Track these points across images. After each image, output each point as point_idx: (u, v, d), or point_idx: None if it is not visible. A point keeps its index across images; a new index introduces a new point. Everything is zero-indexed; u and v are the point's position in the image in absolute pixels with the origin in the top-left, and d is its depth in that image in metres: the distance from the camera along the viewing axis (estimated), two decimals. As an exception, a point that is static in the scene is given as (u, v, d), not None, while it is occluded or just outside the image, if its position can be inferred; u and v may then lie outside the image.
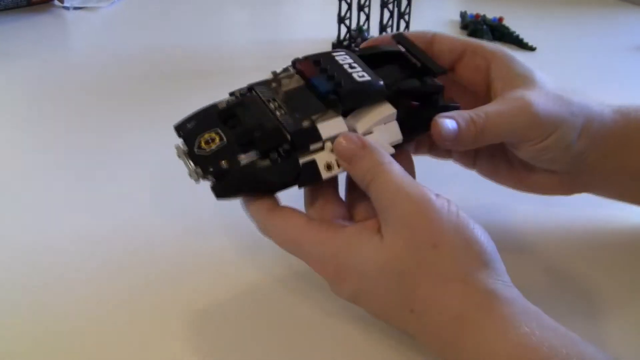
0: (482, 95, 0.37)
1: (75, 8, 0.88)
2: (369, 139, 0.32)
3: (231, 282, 0.38)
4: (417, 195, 0.29)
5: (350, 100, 0.32)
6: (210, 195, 0.31)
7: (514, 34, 0.76)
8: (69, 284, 0.38)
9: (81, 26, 0.84)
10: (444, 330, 0.28)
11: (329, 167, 0.32)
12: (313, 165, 0.31)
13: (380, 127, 0.33)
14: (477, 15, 0.81)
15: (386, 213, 0.30)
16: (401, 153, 0.34)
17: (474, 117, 0.33)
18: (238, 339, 0.34)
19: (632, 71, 0.69)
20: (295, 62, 0.35)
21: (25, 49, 0.75)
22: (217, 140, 0.32)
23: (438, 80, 0.35)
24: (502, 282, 0.29)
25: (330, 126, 0.31)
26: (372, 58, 0.35)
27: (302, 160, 0.31)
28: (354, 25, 0.73)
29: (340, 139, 0.31)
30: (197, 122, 0.34)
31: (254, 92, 0.34)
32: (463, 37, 0.38)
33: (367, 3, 0.71)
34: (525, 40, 0.75)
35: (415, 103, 0.35)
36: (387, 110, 0.33)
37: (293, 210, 0.32)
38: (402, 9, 0.71)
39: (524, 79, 0.35)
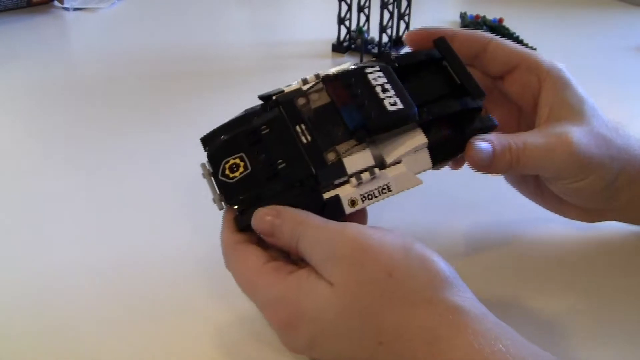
0: (527, 111, 0.36)
1: (75, 9, 0.88)
2: (397, 167, 0.31)
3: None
4: (352, 234, 0.29)
5: (379, 132, 0.31)
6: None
7: (514, 35, 0.76)
8: (71, 289, 0.38)
9: (81, 27, 0.84)
10: (418, 354, 0.27)
11: (352, 202, 0.31)
12: (337, 200, 0.31)
13: (409, 155, 0.32)
14: (477, 16, 0.81)
15: (326, 264, 0.29)
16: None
17: (511, 145, 0.32)
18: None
19: (632, 71, 0.69)
20: (325, 80, 0.32)
21: (25, 50, 0.75)
22: (242, 167, 0.31)
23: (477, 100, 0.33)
24: (468, 297, 0.28)
25: (357, 161, 0.31)
26: (409, 66, 0.33)
27: (326, 196, 0.31)
28: (354, 26, 0.73)
29: (256, 217, 0.30)
30: (224, 140, 0.32)
31: (281, 109, 0.32)
32: (520, 49, 0.36)
33: (367, 4, 0.71)
34: (525, 41, 0.75)
35: (448, 132, 0.33)
36: (418, 140, 0.31)
37: (256, 250, 0.31)
38: (402, 9, 0.71)
39: (573, 111, 0.34)
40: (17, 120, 0.60)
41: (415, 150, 0.31)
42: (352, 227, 0.29)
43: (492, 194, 0.46)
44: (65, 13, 0.87)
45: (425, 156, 0.32)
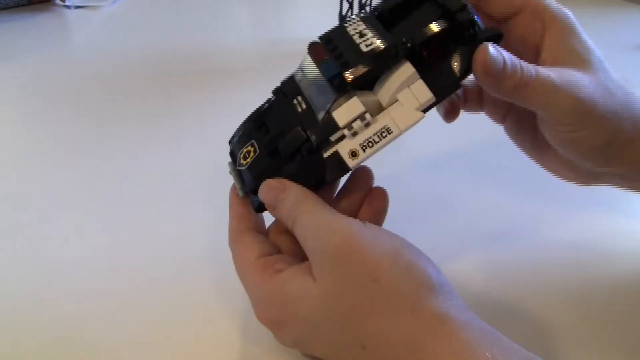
0: (528, 60, 0.33)
1: (77, 7, 0.88)
2: (395, 107, 0.30)
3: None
4: (343, 230, 0.28)
5: (359, 79, 0.29)
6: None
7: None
8: (73, 286, 0.38)
9: (82, 25, 0.84)
10: None
11: (353, 154, 0.30)
12: (337, 156, 0.30)
13: (404, 91, 0.30)
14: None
15: (315, 255, 0.28)
16: (374, 192, 0.33)
17: (523, 66, 0.30)
18: None
19: (632, 71, 0.70)
20: (310, 46, 0.32)
21: (26, 48, 0.75)
22: (252, 153, 0.31)
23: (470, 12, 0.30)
24: (454, 304, 0.27)
25: (346, 110, 0.30)
26: (397, 9, 0.31)
27: (325, 155, 0.30)
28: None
29: (262, 186, 0.31)
30: (241, 133, 0.33)
31: (282, 88, 0.33)
32: None
33: (368, 2, 0.71)
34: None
35: (438, 56, 0.30)
36: (405, 72, 0.30)
37: (253, 242, 0.31)
38: (403, 8, 0.71)
39: (579, 59, 0.32)
40: (18, 117, 0.60)
41: (407, 83, 0.30)
42: (345, 222, 0.28)
43: (501, 197, 0.46)
44: (67, 11, 0.87)
45: (421, 87, 0.30)
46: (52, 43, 0.77)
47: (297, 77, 0.32)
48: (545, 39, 0.32)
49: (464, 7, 0.30)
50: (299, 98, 0.31)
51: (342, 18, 0.71)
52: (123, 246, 0.41)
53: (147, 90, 0.64)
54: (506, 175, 0.48)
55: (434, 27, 0.30)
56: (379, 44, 0.29)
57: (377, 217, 0.33)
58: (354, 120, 0.30)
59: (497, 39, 0.30)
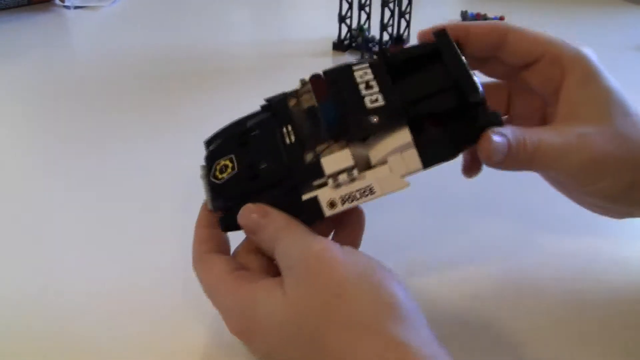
0: (551, 104, 0.33)
1: (76, 7, 0.88)
2: (381, 169, 0.30)
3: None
4: (319, 246, 0.28)
5: (357, 133, 0.29)
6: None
7: (515, 34, 0.76)
8: (70, 291, 0.38)
9: (82, 25, 0.84)
10: None
11: (332, 204, 0.30)
12: (315, 202, 0.30)
13: (396, 156, 0.29)
14: (478, 15, 0.81)
15: (288, 270, 0.28)
16: (352, 214, 0.33)
17: (527, 141, 0.30)
18: None
19: (632, 71, 0.69)
20: (312, 78, 0.31)
21: (25, 48, 0.75)
22: (230, 169, 0.31)
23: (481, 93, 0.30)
24: (419, 334, 0.26)
25: (335, 161, 0.29)
26: (407, 62, 0.31)
27: (304, 197, 0.30)
28: (354, 25, 0.73)
29: (243, 211, 0.30)
30: (221, 141, 0.33)
31: (272, 110, 0.32)
32: (543, 38, 0.32)
33: (367, 2, 0.71)
34: (526, 39, 0.75)
35: (438, 131, 0.30)
36: (402, 138, 0.29)
37: (221, 259, 0.31)
38: (403, 8, 0.71)
39: (593, 109, 0.31)
40: (18, 118, 0.60)
41: (401, 150, 0.29)
42: (323, 242, 0.28)
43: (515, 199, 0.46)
44: (66, 11, 0.87)
45: (413, 156, 0.29)
46: (52, 43, 0.78)
47: (291, 104, 0.32)
48: (563, 88, 0.32)
49: (476, 91, 0.29)
50: (289, 127, 0.31)
51: (342, 19, 0.71)
52: (123, 246, 0.41)
53: (147, 91, 0.64)
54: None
55: (444, 101, 0.30)
56: (384, 104, 0.29)
57: (353, 240, 0.33)
58: (341, 172, 0.29)
59: (498, 125, 0.30)
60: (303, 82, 0.32)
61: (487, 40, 0.33)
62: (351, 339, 0.26)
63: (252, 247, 0.32)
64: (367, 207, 0.32)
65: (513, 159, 0.30)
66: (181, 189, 0.47)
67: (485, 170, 0.33)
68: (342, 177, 0.29)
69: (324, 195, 0.30)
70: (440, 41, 0.31)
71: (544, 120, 0.34)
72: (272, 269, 0.31)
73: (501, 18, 0.79)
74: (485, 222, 0.43)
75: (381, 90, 0.30)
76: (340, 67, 0.31)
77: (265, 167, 0.30)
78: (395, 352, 0.25)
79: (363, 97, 0.29)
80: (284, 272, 0.28)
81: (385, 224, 0.43)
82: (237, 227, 0.31)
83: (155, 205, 0.46)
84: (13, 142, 0.56)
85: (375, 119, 0.29)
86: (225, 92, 0.63)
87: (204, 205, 0.33)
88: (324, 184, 0.30)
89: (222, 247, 0.32)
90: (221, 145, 0.32)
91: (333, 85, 0.30)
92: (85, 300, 0.37)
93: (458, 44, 0.31)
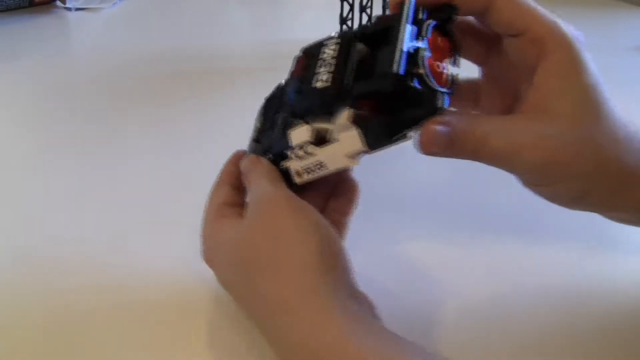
0: (523, 89, 0.30)
1: (78, 9, 0.89)
2: (331, 146, 0.30)
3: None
4: (277, 193, 0.31)
5: (302, 112, 0.32)
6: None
7: (515, 34, 0.76)
8: (67, 287, 0.38)
9: (83, 27, 0.84)
10: (271, 321, 0.29)
11: (298, 174, 0.33)
12: (287, 172, 0.34)
13: (344, 134, 0.30)
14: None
15: (249, 207, 0.32)
16: (345, 184, 0.35)
17: (475, 133, 0.27)
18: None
19: (632, 71, 0.70)
20: (297, 57, 0.34)
21: (27, 50, 0.75)
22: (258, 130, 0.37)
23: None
24: (345, 287, 0.28)
25: (297, 135, 0.32)
26: (377, 34, 0.30)
27: (281, 166, 0.34)
28: (355, 26, 0.73)
29: (245, 159, 0.36)
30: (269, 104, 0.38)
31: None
32: (531, 10, 0.29)
33: (369, 4, 0.71)
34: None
35: (376, 113, 0.29)
36: (342, 118, 0.29)
37: (224, 191, 0.35)
38: (403, 9, 0.71)
39: (566, 108, 0.28)
40: (19, 119, 0.61)
41: (346, 129, 0.29)
42: (282, 190, 0.32)
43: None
44: (68, 13, 0.88)
45: (354, 137, 0.29)
46: (53, 45, 0.78)
47: (281, 85, 0.36)
48: (538, 74, 0.28)
49: (421, 76, 0.27)
50: (280, 113, 0.35)
51: (343, 20, 0.72)
52: (123, 246, 0.41)
53: (148, 92, 0.64)
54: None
55: (383, 84, 0.27)
56: (328, 85, 0.29)
57: (345, 210, 0.35)
58: (300, 146, 0.32)
59: (442, 111, 0.28)
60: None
61: (474, 2, 0.29)
62: (280, 280, 0.28)
63: (229, 179, 0.36)
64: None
65: (458, 150, 0.28)
66: (182, 188, 0.47)
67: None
68: (300, 151, 0.32)
69: (293, 165, 0.33)
70: (396, 16, 0.29)
71: (512, 108, 0.31)
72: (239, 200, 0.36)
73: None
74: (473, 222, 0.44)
75: (334, 70, 0.30)
76: (316, 44, 0.33)
77: (261, 135, 0.35)
78: (316, 296, 0.27)
79: (315, 75, 0.30)
80: (247, 209, 0.32)
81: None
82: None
83: (156, 205, 0.46)
84: (14, 143, 0.56)
85: (317, 99, 0.30)
86: (226, 93, 0.63)
87: (232, 159, 0.37)
88: (292, 157, 0.33)
89: (239, 183, 0.36)
90: (268, 107, 0.38)
91: (307, 59, 0.32)
92: (89, 296, 0.37)
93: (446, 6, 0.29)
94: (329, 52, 0.31)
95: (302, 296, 0.27)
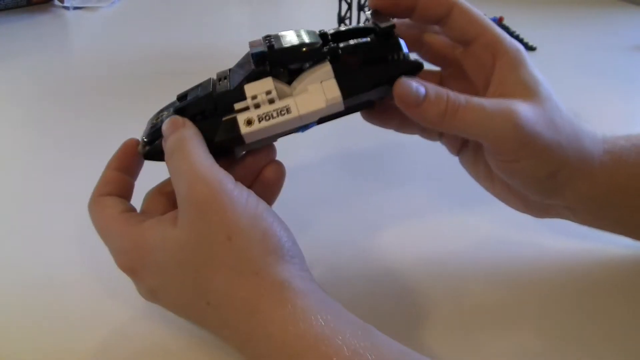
0: (479, 90, 0.35)
1: (76, 8, 0.88)
2: (302, 95, 0.32)
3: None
4: (212, 181, 0.28)
5: (278, 59, 0.32)
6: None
7: (514, 34, 0.77)
8: (65, 286, 0.38)
9: (81, 26, 0.84)
10: (241, 325, 0.28)
11: (249, 122, 0.32)
12: (233, 121, 0.32)
13: (316, 85, 0.32)
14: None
15: (182, 200, 0.29)
16: (271, 164, 0.34)
17: (450, 96, 0.31)
18: None
19: (632, 71, 0.70)
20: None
21: (25, 49, 0.75)
22: (165, 114, 0.35)
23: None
24: (299, 275, 0.28)
25: (257, 86, 0.32)
26: (342, 37, 0.34)
27: (224, 119, 0.32)
28: (353, 25, 0.73)
29: (167, 120, 0.32)
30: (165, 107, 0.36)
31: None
32: (481, 20, 0.33)
33: (367, 3, 0.71)
34: (525, 40, 0.76)
35: (356, 64, 0.33)
36: (324, 70, 0.32)
37: (114, 200, 0.32)
38: (402, 8, 0.71)
39: (525, 90, 0.32)
40: (17, 118, 0.60)
41: (321, 79, 0.32)
42: (217, 174, 0.29)
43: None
44: (66, 12, 0.87)
45: (332, 86, 0.32)
46: (51, 44, 0.78)
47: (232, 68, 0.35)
48: (495, 72, 0.33)
49: (390, 28, 0.32)
50: (225, 79, 0.34)
51: (341, 19, 0.71)
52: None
53: (146, 91, 0.64)
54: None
55: (360, 40, 0.33)
56: (306, 39, 0.32)
57: (270, 189, 0.34)
58: (261, 94, 0.32)
59: (415, 70, 0.33)
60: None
61: (434, 8, 0.34)
62: (237, 280, 0.28)
63: (164, 190, 0.34)
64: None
65: (432, 108, 0.31)
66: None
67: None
68: (261, 98, 0.32)
69: (243, 115, 0.32)
70: (376, 16, 0.34)
71: None
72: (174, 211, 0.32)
73: (500, 19, 0.79)
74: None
75: (306, 34, 0.33)
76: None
77: (191, 99, 0.33)
78: (277, 289, 0.27)
79: (289, 39, 0.32)
80: (177, 195, 0.29)
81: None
82: (158, 158, 0.33)
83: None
84: (12, 143, 0.56)
85: (294, 48, 0.32)
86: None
87: (123, 148, 0.35)
88: (245, 109, 0.32)
89: (125, 193, 0.34)
90: (164, 108, 0.37)
91: (267, 37, 0.33)
92: (88, 296, 0.37)
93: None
94: (297, 33, 0.33)
95: (268, 292, 0.27)
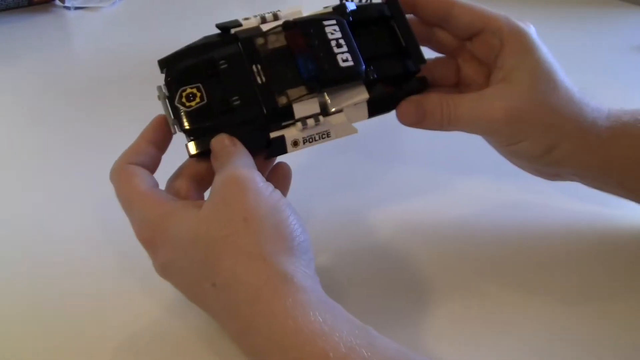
0: (494, 72, 0.36)
1: (77, 8, 0.88)
2: (338, 116, 0.35)
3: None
4: (244, 175, 0.30)
5: (329, 86, 0.34)
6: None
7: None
8: (69, 284, 0.38)
9: (82, 26, 0.84)
10: (242, 311, 0.28)
11: (295, 143, 0.34)
12: (282, 140, 0.34)
13: (350, 107, 0.35)
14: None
15: (211, 193, 0.31)
16: (278, 167, 0.36)
17: (443, 104, 0.34)
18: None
19: (632, 71, 0.70)
20: (285, 26, 0.34)
21: (26, 49, 0.75)
22: (198, 98, 0.33)
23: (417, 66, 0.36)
24: (304, 271, 0.29)
25: (305, 108, 0.33)
26: (362, 22, 0.36)
27: (273, 135, 0.34)
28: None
29: (218, 137, 0.33)
30: (184, 67, 0.35)
31: (240, 46, 0.35)
32: (485, 12, 0.36)
33: (367, 2, 0.71)
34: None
35: (388, 91, 0.36)
36: (361, 96, 0.34)
37: (143, 172, 0.33)
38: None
39: (524, 76, 0.34)
40: (18, 118, 0.61)
41: (356, 103, 0.35)
42: (248, 171, 0.30)
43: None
44: (67, 12, 0.87)
45: (363, 109, 0.35)
46: (52, 44, 0.78)
47: (258, 42, 0.34)
48: (500, 56, 0.35)
49: (423, 62, 0.36)
50: (258, 67, 0.34)
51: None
52: (123, 246, 0.41)
53: (147, 91, 0.64)
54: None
55: (395, 67, 0.36)
56: (353, 64, 0.33)
57: (282, 185, 0.35)
58: (309, 117, 0.34)
59: (420, 91, 0.36)
60: (263, 18, 0.36)
61: (435, 10, 0.36)
62: (243, 262, 0.28)
63: (189, 172, 0.34)
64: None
65: (431, 119, 0.35)
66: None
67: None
68: (310, 122, 0.34)
69: (290, 134, 0.34)
70: (391, 7, 0.36)
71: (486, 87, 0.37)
72: (198, 197, 0.33)
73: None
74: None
75: (349, 51, 0.34)
76: (311, 20, 0.35)
77: (239, 104, 0.33)
78: (277, 280, 0.27)
79: (336, 55, 0.33)
80: (209, 195, 0.31)
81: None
82: (205, 155, 0.33)
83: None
84: (13, 142, 0.56)
85: (344, 77, 0.33)
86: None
87: (158, 120, 0.35)
88: (290, 125, 0.34)
89: (152, 166, 0.34)
90: (186, 71, 0.35)
91: (307, 38, 0.34)
92: (88, 297, 0.37)
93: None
94: (335, 33, 0.34)
95: (273, 282, 0.27)
